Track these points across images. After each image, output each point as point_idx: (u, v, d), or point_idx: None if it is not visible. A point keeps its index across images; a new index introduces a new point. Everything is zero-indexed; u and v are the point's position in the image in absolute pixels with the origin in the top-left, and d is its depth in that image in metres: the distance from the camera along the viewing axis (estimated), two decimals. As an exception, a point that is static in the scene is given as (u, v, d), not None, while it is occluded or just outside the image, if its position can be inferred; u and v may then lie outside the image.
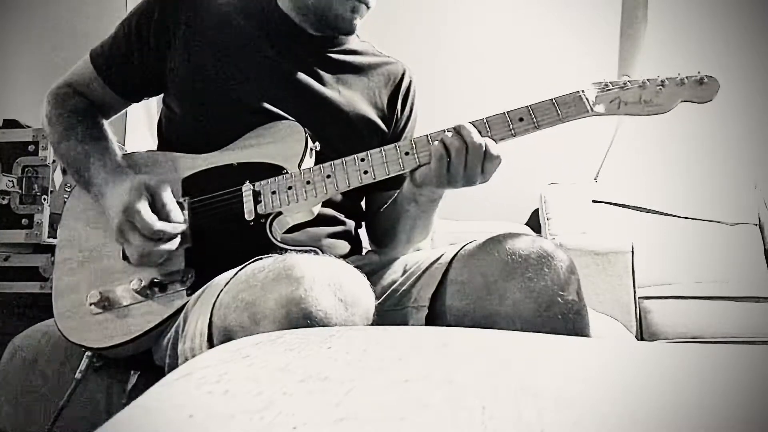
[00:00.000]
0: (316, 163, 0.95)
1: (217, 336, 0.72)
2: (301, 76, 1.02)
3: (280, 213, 0.91)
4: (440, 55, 2.67)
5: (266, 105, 0.99)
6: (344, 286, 0.70)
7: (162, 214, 0.89)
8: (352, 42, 1.10)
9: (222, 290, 0.75)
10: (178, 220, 0.90)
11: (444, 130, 0.89)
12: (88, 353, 0.93)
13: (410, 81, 1.14)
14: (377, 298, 0.92)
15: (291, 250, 0.84)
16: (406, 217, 0.99)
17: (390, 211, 1.04)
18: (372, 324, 0.73)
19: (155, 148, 1.09)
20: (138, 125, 2.29)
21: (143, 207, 0.87)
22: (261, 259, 0.76)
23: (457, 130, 0.87)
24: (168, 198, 0.90)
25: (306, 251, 0.85)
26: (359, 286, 0.73)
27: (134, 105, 1.12)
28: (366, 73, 1.09)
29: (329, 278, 0.69)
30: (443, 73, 2.58)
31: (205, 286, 0.83)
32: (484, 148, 0.86)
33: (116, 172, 0.95)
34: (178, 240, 0.90)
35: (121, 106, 1.10)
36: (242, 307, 0.69)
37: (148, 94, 1.09)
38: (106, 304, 0.90)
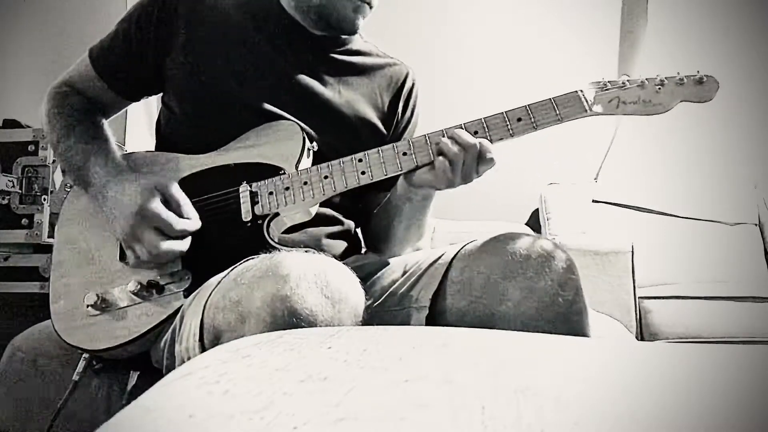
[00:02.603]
0: (314, 164, 0.95)
1: (207, 336, 0.72)
2: (302, 76, 1.02)
3: (277, 214, 0.91)
4: (440, 55, 2.67)
5: (265, 105, 0.99)
6: (331, 283, 0.70)
7: (178, 212, 0.89)
8: (355, 42, 1.09)
9: (213, 290, 0.75)
10: (194, 216, 0.90)
11: (442, 132, 0.89)
12: (86, 355, 0.93)
13: (413, 83, 1.14)
14: (377, 298, 0.92)
15: (286, 250, 0.84)
16: (401, 216, 0.99)
17: (384, 212, 1.03)
18: (362, 322, 0.73)
19: (154, 148, 1.09)
20: (138, 125, 2.29)
21: (160, 207, 0.88)
22: (253, 258, 0.76)
23: (450, 135, 0.87)
24: (181, 196, 0.91)
25: (298, 249, 0.85)
26: (347, 283, 0.72)
27: (134, 104, 1.12)
28: (368, 74, 1.09)
29: (316, 275, 0.69)
30: (443, 72, 2.58)
31: (200, 288, 0.83)
32: (478, 147, 0.86)
33: (116, 173, 0.94)
34: (189, 239, 0.90)
35: (120, 105, 1.09)
36: (230, 306, 0.69)
37: (148, 93, 1.09)
38: (104, 306, 0.90)
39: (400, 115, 1.11)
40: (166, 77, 1.03)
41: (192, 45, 1.00)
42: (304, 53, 1.04)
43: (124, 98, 1.08)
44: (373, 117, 1.07)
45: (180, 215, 0.89)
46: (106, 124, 1.07)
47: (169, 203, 0.90)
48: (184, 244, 0.89)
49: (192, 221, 0.90)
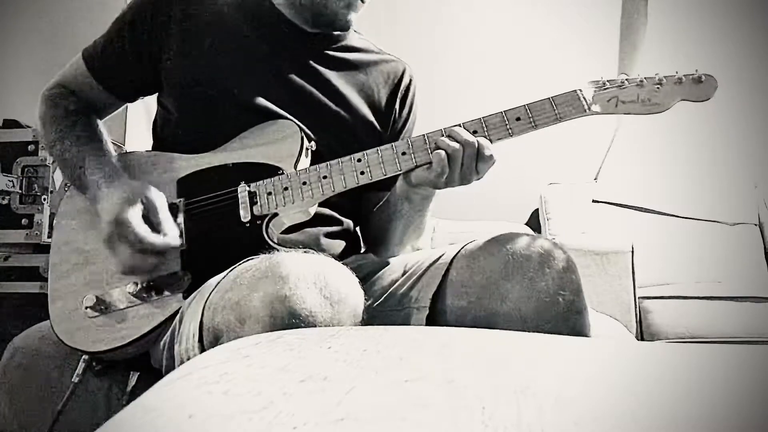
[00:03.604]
0: (312, 163, 0.95)
1: (206, 336, 0.72)
2: (297, 74, 1.02)
3: (276, 214, 0.91)
4: (439, 54, 2.67)
5: (262, 104, 0.98)
6: (330, 283, 0.69)
7: (156, 226, 0.88)
8: (350, 39, 1.09)
9: (212, 291, 0.75)
10: (172, 233, 0.89)
11: (442, 131, 0.89)
12: (85, 356, 0.93)
13: (410, 80, 1.13)
14: (377, 298, 0.92)
15: (285, 250, 0.84)
16: (399, 216, 0.99)
17: (382, 212, 1.03)
18: (362, 322, 0.73)
19: (151, 148, 1.09)
20: (138, 125, 2.29)
21: (135, 219, 0.86)
22: (252, 258, 0.76)
23: (448, 133, 0.88)
24: (163, 210, 0.90)
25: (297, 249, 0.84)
26: (347, 283, 0.72)
27: (134, 104, 1.12)
28: (365, 71, 1.08)
29: (315, 276, 0.69)
30: (443, 72, 2.58)
31: (199, 288, 0.83)
32: (476, 145, 0.86)
33: (111, 176, 0.94)
34: (176, 253, 0.89)
35: (115, 105, 1.09)
36: (229, 306, 0.69)
37: (143, 94, 1.09)
38: (102, 307, 0.90)
39: (397, 112, 1.11)
40: (161, 77, 1.02)
41: (186, 44, 1.00)
42: (299, 51, 1.04)
43: (119, 99, 1.08)
44: (370, 115, 1.06)
45: (159, 230, 0.88)
46: (101, 124, 1.06)
47: (150, 216, 0.88)
48: (162, 258, 0.88)
49: (167, 238, 0.88)
